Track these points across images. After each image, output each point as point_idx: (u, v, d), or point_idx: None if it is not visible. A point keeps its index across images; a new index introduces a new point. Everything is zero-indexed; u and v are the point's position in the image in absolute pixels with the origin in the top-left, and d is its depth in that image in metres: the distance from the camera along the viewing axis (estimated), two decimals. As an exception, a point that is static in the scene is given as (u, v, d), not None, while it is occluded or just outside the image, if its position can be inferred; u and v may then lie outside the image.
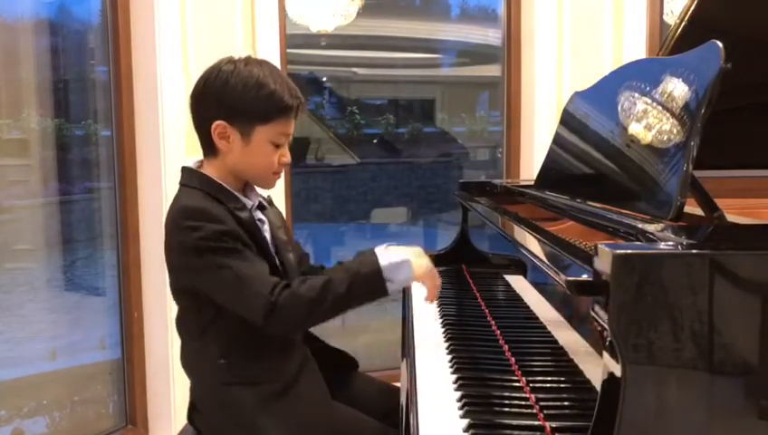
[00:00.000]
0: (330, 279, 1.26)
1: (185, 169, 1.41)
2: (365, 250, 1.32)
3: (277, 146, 1.38)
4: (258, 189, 1.48)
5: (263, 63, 1.38)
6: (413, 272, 1.30)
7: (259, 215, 1.43)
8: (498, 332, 1.43)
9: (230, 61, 1.36)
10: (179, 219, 1.30)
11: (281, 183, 2.50)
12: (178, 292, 1.38)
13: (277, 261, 1.42)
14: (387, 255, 1.28)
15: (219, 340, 1.34)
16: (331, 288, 1.25)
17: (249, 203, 1.40)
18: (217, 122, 1.34)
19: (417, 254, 1.35)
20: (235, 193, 1.39)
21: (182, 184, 1.40)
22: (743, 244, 0.86)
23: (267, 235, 1.42)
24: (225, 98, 1.33)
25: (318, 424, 1.37)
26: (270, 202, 1.50)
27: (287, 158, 1.41)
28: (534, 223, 1.39)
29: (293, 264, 1.47)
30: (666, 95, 1.14)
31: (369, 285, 1.27)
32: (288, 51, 2.83)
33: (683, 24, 1.53)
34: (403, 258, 1.29)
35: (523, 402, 1.09)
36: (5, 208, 2.51)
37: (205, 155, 1.41)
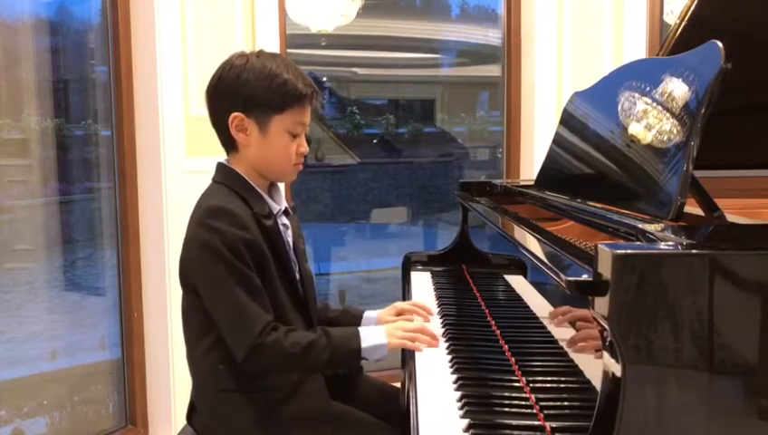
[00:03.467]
0: (314, 342, 1.31)
1: (219, 165, 1.42)
2: (350, 328, 1.40)
3: (294, 136, 1.39)
4: (283, 195, 1.49)
5: (275, 55, 1.39)
6: (387, 350, 1.37)
7: (284, 220, 1.44)
8: (498, 332, 1.43)
9: (242, 55, 1.38)
10: (204, 218, 1.31)
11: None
12: (186, 288, 1.38)
13: (297, 268, 1.43)
14: (369, 336, 1.36)
15: (221, 345, 1.33)
16: (312, 352, 1.31)
17: (276, 207, 1.41)
18: (234, 114, 1.35)
19: (396, 328, 1.41)
20: (264, 195, 1.40)
21: (214, 180, 1.41)
22: (743, 244, 0.86)
23: (290, 240, 1.44)
24: (240, 90, 1.34)
25: (319, 427, 1.37)
26: (294, 209, 1.51)
27: (305, 148, 1.42)
28: (534, 223, 1.39)
29: (310, 272, 1.49)
30: (666, 95, 1.14)
31: (346, 360, 1.38)
32: (288, 51, 2.83)
33: (683, 24, 1.53)
34: (381, 341, 1.36)
35: (523, 402, 1.08)
36: (5, 208, 2.51)
37: (227, 152, 1.43)
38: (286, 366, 1.34)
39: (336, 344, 1.32)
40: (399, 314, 1.56)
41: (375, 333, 1.37)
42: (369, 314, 1.59)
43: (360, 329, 1.38)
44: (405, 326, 1.43)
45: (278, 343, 1.28)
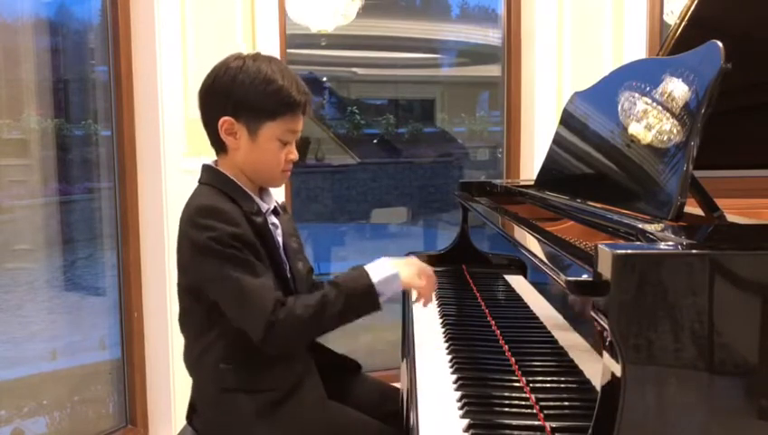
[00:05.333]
0: (324, 296, 1.28)
1: (205, 167, 1.41)
2: (356, 266, 1.34)
3: (285, 143, 1.37)
4: (273, 194, 1.48)
5: (271, 60, 1.37)
6: (401, 282, 1.33)
7: (273, 219, 1.43)
8: (498, 332, 1.43)
9: (238, 57, 1.36)
10: (194, 217, 1.30)
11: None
12: (184, 290, 1.38)
13: (287, 267, 1.42)
14: (377, 270, 1.31)
15: (221, 344, 1.33)
16: (327, 307, 1.27)
17: (264, 206, 1.40)
18: (224, 118, 1.34)
19: (406, 263, 1.37)
20: (252, 195, 1.39)
21: (200, 182, 1.40)
22: (743, 244, 0.86)
23: (279, 239, 1.43)
24: (233, 93, 1.33)
25: (318, 427, 1.37)
26: (284, 208, 1.50)
27: (294, 155, 1.41)
28: (534, 223, 1.39)
29: (303, 273, 1.47)
30: (666, 95, 1.14)
31: (363, 300, 1.30)
32: (288, 51, 2.83)
33: (683, 24, 1.53)
34: (392, 272, 1.32)
35: (523, 402, 1.08)
36: (5, 208, 2.51)
37: (216, 153, 1.42)
38: (305, 333, 1.31)
39: (347, 290, 1.29)
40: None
41: (382, 265, 1.33)
42: None
43: (365, 266, 1.33)
44: (412, 261, 1.39)
45: (291, 314, 1.25)
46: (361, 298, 1.30)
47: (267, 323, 1.24)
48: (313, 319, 1.27)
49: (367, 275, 1.30)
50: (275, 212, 1.45)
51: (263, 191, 1.45)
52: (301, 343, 1.35)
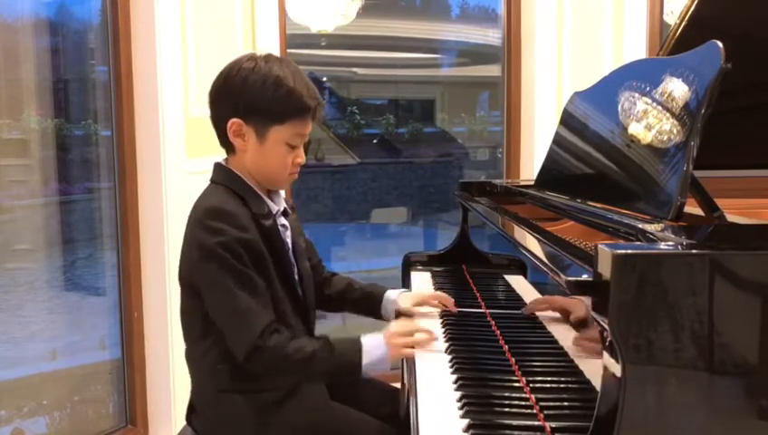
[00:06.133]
0: (316, 352, 1.29)
1: (217, 165, 1.42)
2: (353, 339, 1.34)
3: (292, 147, 1.37)
4: (282, 196, 1.49)
5: (282, 61, 1.37)
6: (389, 363, 1.34)
7: (283, 220, 1.43)
8: (498, 332, 1.43)
9: (251, 58, 1.35)
10: (203, 219, 1.30)
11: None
12: (186, 289, 1.38)
13: (296, 269, 1.42)
14: (370, 350, 1.32)
15: (220, 345, 1.33)
16: (314, 361, 1.29)
17: (275, 208, 1.41)
18: (233, 120, 1.34)
19: (393, 336, 1.35)
20: (263, 196, 1.39)
21: (212, 181, 1.40)
22: (743, 244, 0.86)
23: (288, 240, 1.43)
24: (244, 95, 1.32)
25: (320, 427, 1.37)
26: (293, 208, 1.50)
27: (302, 158, 1.40)
28: (534, 223, 1.39)
29: (309, 272, 1.49)
30: (666, 95, 1.14)
31: (347, 372, 1.33)
32: (288, 51, 2.83)
33: (683, 24, 1.53)
34: (383, 354, 1.32)
35: (523, 402, 1.08)
36: (5, 208, 2.51)
37: (226, 152, 1.42)
38: (286, 371, 1.33)
39: (338, 361, 1.31)
40: (419, 305, 1.57)
41: (377, 346, 1.33)
42: (390, 294, 1.59)
43: (363, 341, 1.33)
44: (403, 331, 1.39)
45: (280, 348, 1.27)
46: (345, 370, 1.32)
47: (253, 346, 1.25)
48: (299, 363, 1.28)
49: (360, 353, 1.31)
50: (285, 213, 1.45)
51: (272, 191, 1.45)
52: (276, 375, 1.35)
